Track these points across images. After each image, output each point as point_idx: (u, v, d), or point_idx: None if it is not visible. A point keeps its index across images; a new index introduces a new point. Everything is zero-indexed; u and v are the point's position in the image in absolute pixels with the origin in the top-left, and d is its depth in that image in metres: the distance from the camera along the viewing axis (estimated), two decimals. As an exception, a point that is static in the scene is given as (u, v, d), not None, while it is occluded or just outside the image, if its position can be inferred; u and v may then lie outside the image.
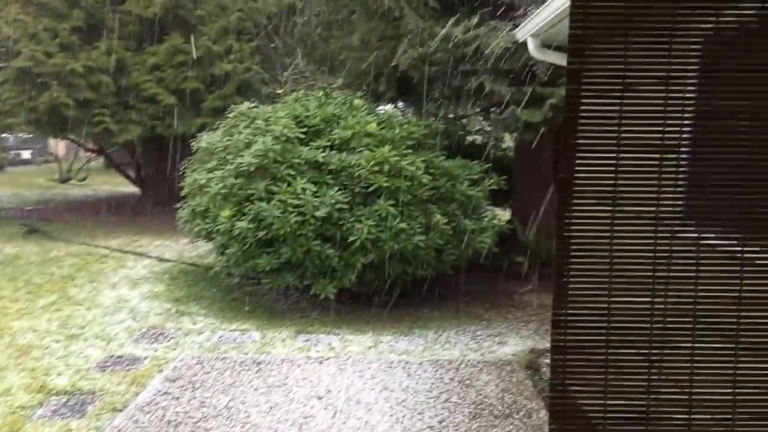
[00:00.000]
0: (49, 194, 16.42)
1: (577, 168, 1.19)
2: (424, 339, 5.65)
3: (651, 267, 1.21)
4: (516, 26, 6.01)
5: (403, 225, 5.84)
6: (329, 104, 7.23)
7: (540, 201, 8.17)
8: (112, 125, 11.04)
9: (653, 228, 1.22)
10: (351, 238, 5.81)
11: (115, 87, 11.09)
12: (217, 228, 6.23)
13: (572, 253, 1.20)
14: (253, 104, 7.63)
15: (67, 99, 10.52)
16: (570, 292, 1.16)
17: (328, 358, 5.05)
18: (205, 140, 7.52)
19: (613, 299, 1.20)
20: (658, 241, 1.21)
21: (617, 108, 1.19)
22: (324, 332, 5.78)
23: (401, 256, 6.00)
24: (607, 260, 1.21)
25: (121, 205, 14.13)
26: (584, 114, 1.20)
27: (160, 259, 8.82)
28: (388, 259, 5.99)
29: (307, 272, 6.02)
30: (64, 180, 18.37)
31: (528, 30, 4.75)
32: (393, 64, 7.15)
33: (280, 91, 9.03)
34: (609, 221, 1.21)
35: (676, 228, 1.23)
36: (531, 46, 4.87)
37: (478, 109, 8.61)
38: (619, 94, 1.18)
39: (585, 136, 1.20)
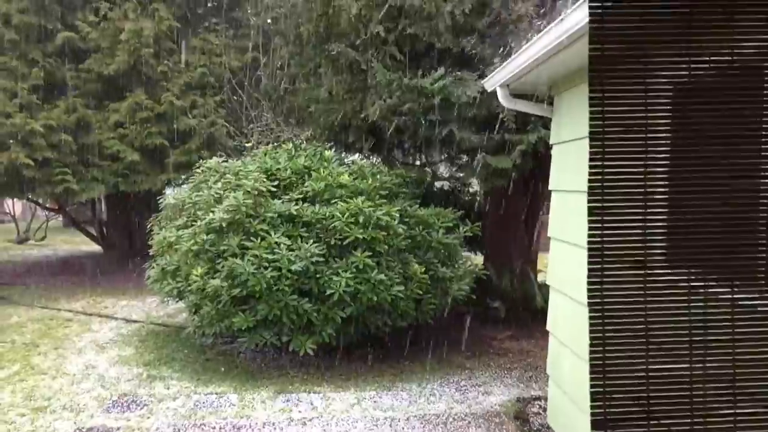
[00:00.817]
0: (7, 256, 15.82)
1: (606, 231, 1.17)
2: (408, 393, 5.53)
3: (687, 332, 1.19)
4: (481, 76, 6.16)
5: (381, 276, 5.78)
6: (300, 156, 7.22)
7: (512, 245, 8.23)
8: (74, 184, 10.78)
9: (686, 291, 1.20)
10: (329, 292, 5.71)
11: (76, 145, 10.89)
12: (189, 287, 6.06)
13: (607, 323, 1.16)
14: (222, 159, 7.57)
15: (26, 159, 10.27)
16: (608, 363, 1.13)
17: (312, 419, 4.87)
18: (172, 196, 7.39)
19: (651, 368, 1.17)
20: (692, 304, 1.20)
21: (642, 167, 1.19)
22: (305, 391, 5.60)
23: (380, 307, 5.91)
24: (643, 327, 1.18)
25: (83, 265, 13.68)
26: (609, 176, 1.19)
27: (128, 321, 8.51)
28: (367, 312, 5.90)
29: (285, 328, 5.87)
30: (22, 240, 17.75)
31: (497, 80, 4.84)
32: (362, 115, 7.20)
33: (249, 144, 8.99)
34: (642, 285, 1.19)
35: (710, 289, 1.21)
36: (500, 95, 4.96)
37: (445, 156, 8.72)
38: (643, 155, 1.18)
39: (611, 198, 1.19)
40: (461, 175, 8.66)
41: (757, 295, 1.23)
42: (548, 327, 4.84)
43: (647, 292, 1.19)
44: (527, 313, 7.65)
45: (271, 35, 11.36)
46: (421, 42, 6.59)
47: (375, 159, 8.79)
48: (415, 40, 6.66)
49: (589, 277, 1.18)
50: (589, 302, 1.19)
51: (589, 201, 1.19)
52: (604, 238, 1.19)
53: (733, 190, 1.29)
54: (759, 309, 1.24)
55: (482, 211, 8.42)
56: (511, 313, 7.88)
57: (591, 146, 1.18)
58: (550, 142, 4.91)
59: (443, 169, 10.02)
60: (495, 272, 8.02)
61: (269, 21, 11.91)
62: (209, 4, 12.67)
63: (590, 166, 1.18)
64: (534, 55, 3.86)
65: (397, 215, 6.13)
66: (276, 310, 5.67)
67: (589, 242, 1.20)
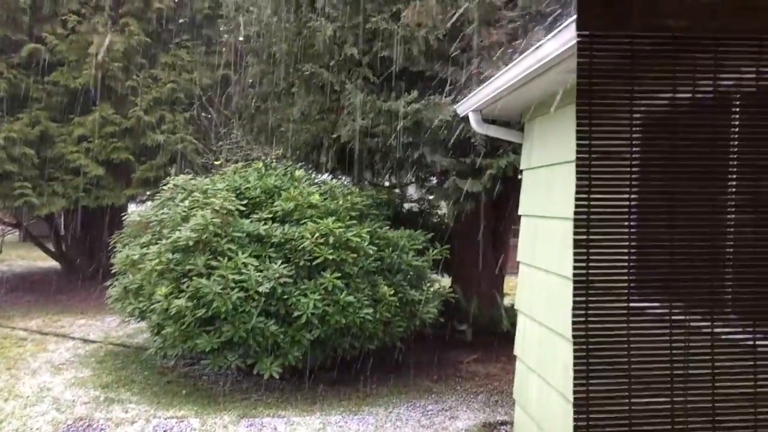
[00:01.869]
0: (-42, 271, 15.22)
1: (591, 264, 1.17)
2: (375, 417, 5.45)
3: (669, 365, 1.19)
4: (454, 100, 6.22)
5: (350, 298, 5.73)
6: (270, 175, 7.15)
7: (479, 268, 8.26)
8: (34, 198, 10.47)
9: (668, 324, 1.20)
10: (296, 314, 5.62)
11: (38, 159, 10.61)
12: (152, 307, 5.90)
13: (591, 356, 1.16)
14: (189, 176, 7.45)
15: (-15, 172, 9.97)
16: (591, 397, 1.11)
17: (276, 444, 4.76)
18: (137, 213, 7.23)
19: (633, 401, 1.16)
20: (674, 338, 1.20)
21: (626, 201, 1.19)
22: (269, 415, 5.48)
23: (348, 330, 5.85)
24: (626, 360, 1.17)
25: (39, 282, 13.23)
26: (594, 209, 1.19)
27: (85, 341, 8.24)
28: (335, 334, 5.83)
29: (250, 350, 5.75)
30: (-25, 255, 17.10)
31: (469, 105, 4.90)
32: (334, 135, 7.19)
33: (218, 162, 8.88)
34: (625, 319, 1.19)
35: (691, 323, 1.22)
36: (472, 120, 5.01)
37: (415, 178, 8.76)
38: (628, 187, 1.18)
39: (596, 231, 1.19)
40: (431, 197, 8.70)
41: (738, 330, 1.24)
42: (516, 352, 4.84)
43: (630, 325, 1.19)
44: (493, 337, 7.65)
45: (243, 53, 11.31)
46: (395, 65, 6.63)
47: (345, 179, 8.77)
48: (389, 63, 6.70)
49: (574, 310, 1.17)
50: (573, 336, 1.18)
51: (575, 233, 1.19)
52: (590, 271, 1.18)
53: (706, 225, 1.31)
54: (738, 343, 1.25)
55: (451, 233, 8.45)
56: (478, 337, 7.89)
57: (578, 179, 1.18)
58: (521, 168, 4.96)
59: (412, 191, 10.06)
60: (462, 295, 8.02)
61: (241, 39, 11.87)
62: (181, 21, 12.56)
63: (576, 199, 1.18)
64: (507, 83, 3.91)
65: (367, 236, 6.10)
66: (242, 331, 5.55)
67: (574, 275, 1.19)
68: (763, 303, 1.27)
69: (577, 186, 1.19)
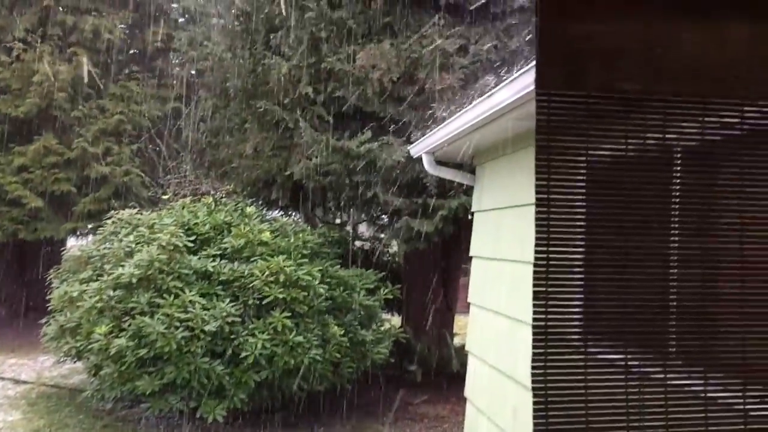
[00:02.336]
0: None
1: (549, 315, 1.19)
2: (323, 462, 5.31)
3: (625, 416, 1.21)
4: (407, 142, 6.32)
5: (299, 338, 5.62)
6: (220, 211, 7.04)
7: (430, 307, 8.28)
8: (-33, 230, 9.99)
9: (623, 372, 1.23)
10: (243, 354, 5.48)
11: (-27, 188, 10.16)
12: (90, 346, 5.64)
13: (550, 407, 1.16)
14: (135, 210, 7.26)
15: None
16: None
17: (219, 492, 4.56)
18: (78, 248, 6.97)
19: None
20: (629, 387, 1.22)
21: (582, 253, 1.23)
22: (212, 461, 5.26)
23: (297, 371, 5.72)
24: (583, 411, 1.19)
25: (-33, 318, 12.49)
26: (553, 262, 1.21)
27: (16, 381, 7.77)
28: (283, 375, 5.69)
29: (193, 393, 5.55)
30: None
31: (423, 147, 4.97)
32: (286, 172, 7.16)
33: (166, 197, 8.69)
34: (583, 368, 1.21)
35: (645, 370, 1.25)
36: (425, 161, 5.08)
37: (366, 217, 8.78)
38: (582, 239, 1.22)
39: (555, 282, 1.21)
40: (382, 235, 8.72)
41: (686, 377, 1.28)
42: (466, 393, 4.83)
43: (588, 374, 1.21)
44: (443, 378, 7.63)
45: (194, 87, 11.22)
46: (349, 105, 6.70)
47: (296, 216, 8.72)
48: (343, 103, 6.77)
49: (533, 361, 1.18)
50: (533, 387, 1.19)
51: (534, 285, 1.21)
52: (548, 322, 1.20)
53: (654, 276, 1.36)
54: (689, 390, 1.29)
55: (401, 272, 8.46)
56: (428, 377, 7.85)
57: (537, 231, 1.21)
58: (472, 210, 5.04)
59: (363, 229, 10.07)
60: (413, 335, 8.00)
61: (193, 72, 11.79)
62: (131, 52, 12.41)
63: (536, 252, 1.21)
64: (460, 126, 3.99)
65: (319, 275, 6.04)
66: (185, 373, 5.36)
67: (534, 326, 1.21)
68: (711, 351, 1.32)
69: (537, 238, 1.22)
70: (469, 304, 4.89)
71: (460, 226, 6.57)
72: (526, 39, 6.73)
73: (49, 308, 6.63)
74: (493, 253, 4.47)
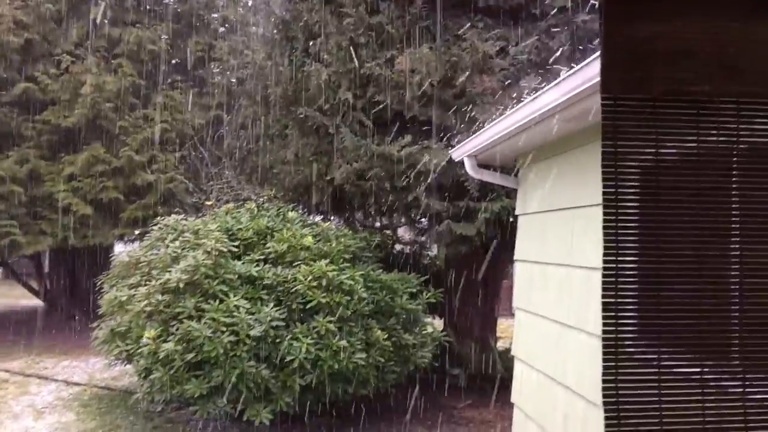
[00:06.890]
0: (-63, 310, 14.87)
1: (620, 323, 1.16)
2: (368, 466, 5.32)
3: (702, 428, 1.17)
4: (448, 144, 6.29)
5: (343, 342, 5.64)
6: (262, 216, 7.12)
7: (472, 311, 8.22)
8: (21, 237, 10.35)
9: (700, 385, 1.19)
10: (288, 358, 5.52)
11: (26, 197, 10.52)
12: (139, 350, 5.76)
13: (623, 423, 1.13)
14: (181, 217, 7.40)
15: (-28, 210, 9.87)
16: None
17: (267, 496, 4.61)
18: (127, 253, 7.14)
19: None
20: (706, 399, 1.18)
21: (654, 262, 1.19)
22: (259, 463, 5.32)
23: (341, 375, 5.74)
24: (657, 428, 1.15)
25: (22, 321, 12.94)
26: (622, 270, 1.19)
27: (69, 383, 8.02)
28: (328, 379, 5.72)
29: (240, 396, 5.61)
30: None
31: (465, 150, 4.93)
32: (327, 178, 7.21)
33: (209, 203, 8.85)
34: (656, 383, 1.17)
35: (722, 383, 1.21)
36: (467, 165, 5.04)
37: (407, 221, 8.76)
38: (656, 248, 1.19)
39: (624, 292, 1.19)
40: (423, 239, 8.69)
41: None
42: (513, 399, 4.77)
43: (662, 388, 1.17)
44: (487, 382, 7.55)
45: (235, 95, 11.42)
46: (389, 110, 6.71)
47: (336, 220, 8.76)
48: (383, 108, 6.78)
49: (603, 375, 1.15)
50: (604, 402, 1.16)
51: (603, 296, 1.18)
52: (618, 335, 1.17)
53: (725, 282, 1.31)
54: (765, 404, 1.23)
55: (443, 276, 8.41)
56: (471, 381, 7.77)
57: (605, 240, 1.19)
58: (516, 213, 4.98)
59: (403, 233, 10.05)
60: (455, 338, 7.94)
61: (234, 80, 12.00)
62: (174, 62, 12.71)
63: (604, 260, 1.18)
64: (504, 129, 3.95)
65: (361, 279, 6.05)
66: (232, 377, 5.43)
67: (603, 339, 1.18)
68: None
69: (605, 247, 1.19)
70: (513, 307, 4.83)
71: (502, 229, 6.50)
72: (566, 39, 6.63)
73: (99, 312, 6.82)
74: (538, 256, 4.40)
